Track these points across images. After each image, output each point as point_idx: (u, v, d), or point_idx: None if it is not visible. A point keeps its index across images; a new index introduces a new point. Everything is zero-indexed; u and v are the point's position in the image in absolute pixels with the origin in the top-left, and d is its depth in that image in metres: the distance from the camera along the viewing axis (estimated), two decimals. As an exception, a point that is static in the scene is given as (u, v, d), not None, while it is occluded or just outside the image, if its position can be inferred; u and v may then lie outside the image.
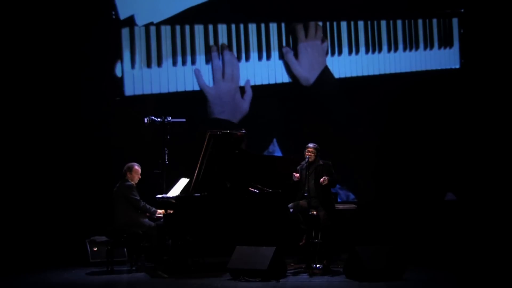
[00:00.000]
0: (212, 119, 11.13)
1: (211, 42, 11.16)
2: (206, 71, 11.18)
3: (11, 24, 10.76)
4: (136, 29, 11.06)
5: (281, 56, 11.29)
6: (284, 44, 11.29)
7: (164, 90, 11.07)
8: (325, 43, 11.31)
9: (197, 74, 11.10)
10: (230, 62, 11.18)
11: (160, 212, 9.00)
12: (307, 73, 11.29)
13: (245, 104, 11.20)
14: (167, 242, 8.98)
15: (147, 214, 9.06)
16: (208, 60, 11.17)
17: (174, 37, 11.09)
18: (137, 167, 9.17)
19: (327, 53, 11.34)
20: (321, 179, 8.67)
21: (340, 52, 11.36)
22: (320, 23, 11.32)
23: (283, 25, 11.31)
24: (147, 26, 11.06)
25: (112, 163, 10.29)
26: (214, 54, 11.14)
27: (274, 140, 11.22)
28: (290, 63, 11.25)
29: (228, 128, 9.60)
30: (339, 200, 10.34)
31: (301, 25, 11.27)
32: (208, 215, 8.83)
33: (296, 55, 11.28)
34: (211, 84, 11.14)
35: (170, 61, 11.10)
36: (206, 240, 9.14)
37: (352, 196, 11.09)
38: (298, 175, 8.89)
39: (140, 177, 9.19)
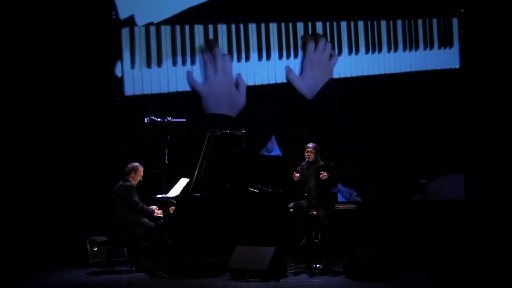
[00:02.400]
0: (209, 114, 11.10)
1: (211, 42, 11.21)
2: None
3: (11, 24, 10.77)
4: (136, 29, 11.06)
5: (281, 56, 11.30)
6: (284, 44, 11.28)
7: (164, 90, 11.07)
8: (334, 59, 11.31)
9: (189, 75, 11.08)
10: (220, 56, 11.15)
11: (158, 212, 8.99)
12: (310, 90, 11.28)
13: (241, 96, 11.18)
14: (167, 242, 8.98)
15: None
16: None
17: (174, 37, 11.08)
18: (141, 168, 9.17)
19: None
20: (321, 175, 8.67)
21: (340, 52, 11.36)
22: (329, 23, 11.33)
23: (283, 25, 11.30)
24: (147, 26, 11.06)
25: (112, 163, 10.30)
26: (205, 52, 11.12)
27: (273, 137, 11.21)
28: (293, 81, 11.25)
29: (227, 123, 9.46)
30: (341, 198, 10.36)
31: (312, 39, 11.25)
32: (208, 215, 8.83)
33: (301, 70, 11.28)
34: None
35: (170, 61, 11.10)
36: (206, 240, 9.14)
37: (355, 194, 11.08)
38: (298, 174, 8.89)
39: (141, 178, 9.20)
